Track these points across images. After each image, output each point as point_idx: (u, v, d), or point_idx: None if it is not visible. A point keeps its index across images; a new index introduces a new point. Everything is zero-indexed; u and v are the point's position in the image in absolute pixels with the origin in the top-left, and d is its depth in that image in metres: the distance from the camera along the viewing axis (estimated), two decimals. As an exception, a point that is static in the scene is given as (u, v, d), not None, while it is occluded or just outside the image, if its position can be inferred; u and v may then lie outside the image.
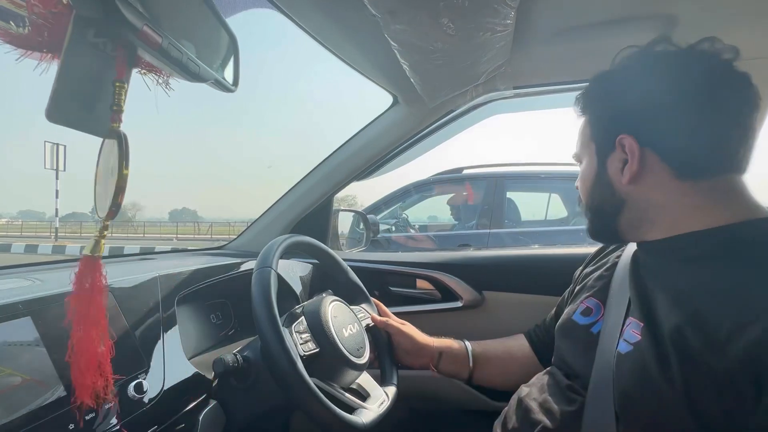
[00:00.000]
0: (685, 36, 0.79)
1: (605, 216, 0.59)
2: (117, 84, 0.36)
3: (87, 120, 0.35)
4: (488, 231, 2.83)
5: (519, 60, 0.86)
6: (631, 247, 0.63)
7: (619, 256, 0.66)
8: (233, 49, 0.51)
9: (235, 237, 1.31)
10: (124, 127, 0.40)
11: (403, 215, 3.40)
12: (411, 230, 3.37)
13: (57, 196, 15.53)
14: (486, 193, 2.96)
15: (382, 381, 0.80)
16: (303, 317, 0.69)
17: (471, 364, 0.81)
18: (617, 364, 0.52)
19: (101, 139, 0.41)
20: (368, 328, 0.81)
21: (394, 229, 3.32)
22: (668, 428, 0.46)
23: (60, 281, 0.65)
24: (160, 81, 0.45)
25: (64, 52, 0.32)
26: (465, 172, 3.17)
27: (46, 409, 0.45)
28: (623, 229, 0.59)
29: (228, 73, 0.52)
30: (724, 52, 0.52)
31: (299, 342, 0.64)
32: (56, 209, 17.44)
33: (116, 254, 1.12)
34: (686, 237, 0.52)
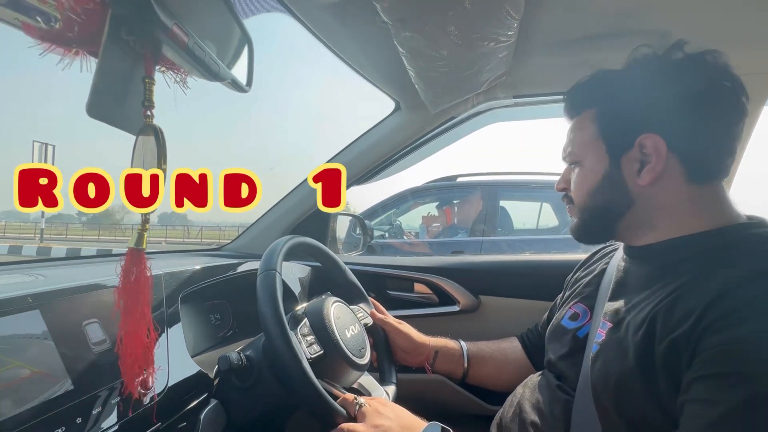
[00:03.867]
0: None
1: (608, 216, 0.58)
2: (147, 80, 0.37)
3: (120, 116, 0.36)
4: (481, 238, 2.84)
5: (519, 70, 0.89)
6: (619, 255, 0.65)
7: (607, 263, 0.68)
8: (249, 50, 0.52)
9: (229, 240, 1.31)
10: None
11: (397, 221, 3.40)
12: (404, 237, 3.36)
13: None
14: (480, 201, 2.98)
15: (382, 380, 0.80)
16: (306, 319, 0.69)
17: (466, 364, 0.82)
18: (591, 367, 0.55)
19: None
20: (367, 328, 0.81)
21: (387, 235, 3.32)
22: (640, 417, 0.49)
23: (62, 277, 0.65)
24: (178, 79, 0.47)
25: (102, 49, 0.32)
26: (459, 179, 3.18)
27: (53, 403, 0.45)
28: (620, 230, 0.59)
29: (242, 74, 0.53)
30: (728, 64, 0.54)
31: (305, 345, 0.65)
32: (42, 210, 17.06)
33: (108, 254, 1.12)
34: (671, 242, 0.54)
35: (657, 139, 0.53)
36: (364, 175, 1.21)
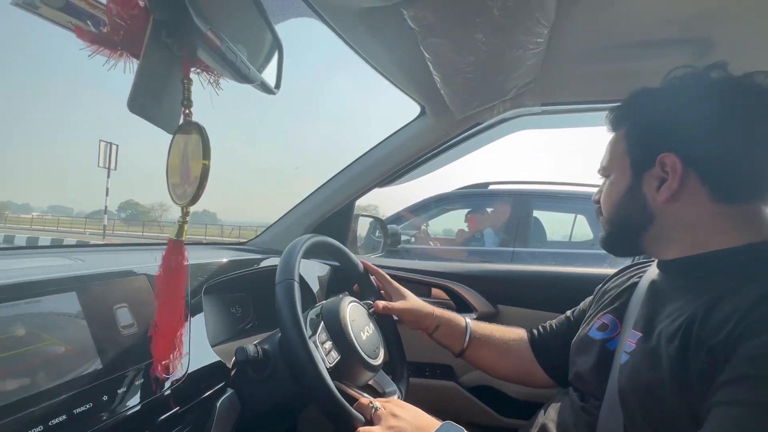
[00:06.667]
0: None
1: (630, 230, 0.60)
2: (185, 81, 0.40)
3: (157, 113, 0.38)
4: (512, 249, 2.74)
5: (548, 77, 0.88)
6: (652, 270, 0.64)
7: (640, 276, 0.67)
8: (279, 54, 0.54)
9: (258, 234, 1.34)
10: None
11: (423, 227, 3.34)
12: (431, 243, 3.31)
13: (107, 194, 15.61)
14: (512, 210, 2.88)
15: (394, 377, 0.81)
16: (323, 323, 0.70)
17: (465, 343, 0.82)
18: (619, 376, 0.55)
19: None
20: (380, 327, 0.82)
21: (413, 240, 3.25)
22: (670, 426, 0.48)
23: (98, 262, 0.69)
24: (211, 80, 0.49)
25: (143, 50, 0.35)
26: (491, 187, 3.07)
27: (83, 379, 0.48)
28: (645, 244, 0.60)
29: (271, 77, 0.55)
30: None
31: (323, 352, 0.66)
32: (105, 207, 17.73)
33: (146, 243, 1.18)
34: (705, 256, 0.54)
35: (674, 158, 0.54)
36: (387, 178, 1.22)
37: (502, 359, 0.82)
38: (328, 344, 0.67)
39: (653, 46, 0.77)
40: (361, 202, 1.30)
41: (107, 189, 15.39)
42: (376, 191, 1.25)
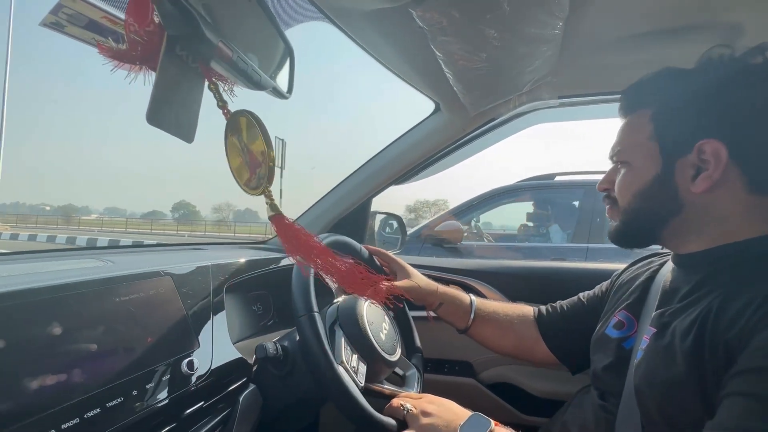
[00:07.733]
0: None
1: (653, 220, 0.56)
2: (211, 86, 0.43)
3: (176, 125, 0.40)
4: (586, 245, 2.49)
5: (565, 70, 0.85)
6: (668, 264, 0.62)
7: (655, 270, 0.65)
8: (290, 60, 0.55)
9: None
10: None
11: (473, 222, 3.09)
12: (484, 239, 3.08)
13: (281, 196, 15.35)
14: (583, 203, 2.64)
15: (407, 354, 0.84)
16: (343, 335, 0.70)
17: (470, 321, 0.83)
18: (635, 374, 0.54)
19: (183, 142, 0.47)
20: (396, 318, 0.84)
21: (466, 234, 3.00)
22: (688, 423, 0.48)
23: (131, 263, 0.72)
24: (226, 88, 0.51)
25: (159, 64, 0.37)
26: (558, 179, 2.86)
27: (116, 375, 0.51)
28: (665, 236, 0.57)
29: (283, 81, 0.56)
30: None
31: (353, 373, 0.66)
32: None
33: (173, 243, 1.23)
34: (723, 249, 0.52)
35: (718, 145, 0.50)
36: (404, 175, 1.22)
37: (505, 336, 0.83)
38: (354, 358, 0.68)
39: (675, 33, 0.73)
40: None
41: (281, 190, 15.23)
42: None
